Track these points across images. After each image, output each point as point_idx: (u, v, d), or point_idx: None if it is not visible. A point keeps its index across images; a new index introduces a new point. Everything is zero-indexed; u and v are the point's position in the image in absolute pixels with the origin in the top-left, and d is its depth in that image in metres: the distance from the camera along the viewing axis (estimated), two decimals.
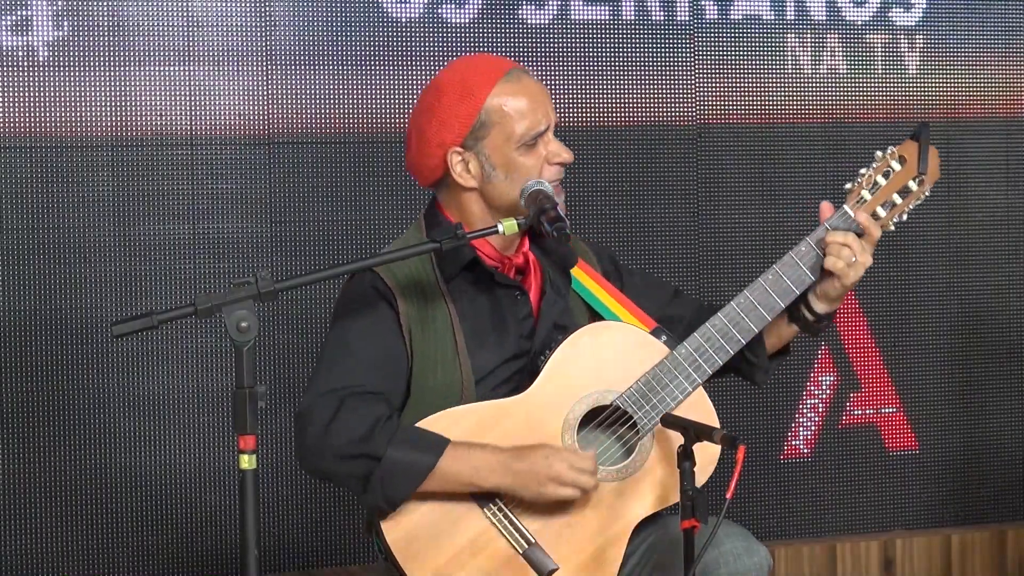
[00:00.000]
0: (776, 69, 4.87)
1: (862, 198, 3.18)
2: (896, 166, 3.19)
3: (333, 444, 3.04)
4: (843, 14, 4.91)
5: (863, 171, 3.19)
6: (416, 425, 3.09)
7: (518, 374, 3.20)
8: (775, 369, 3.38)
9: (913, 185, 3.20)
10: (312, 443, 3.06)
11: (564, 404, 3.14)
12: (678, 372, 3.15)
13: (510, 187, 3.19)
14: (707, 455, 3.05)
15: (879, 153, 3.20)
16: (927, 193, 3.22)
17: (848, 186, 3.20)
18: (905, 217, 3.22)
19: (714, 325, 3.16)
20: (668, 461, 3.15)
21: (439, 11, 4.55)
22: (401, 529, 3.08)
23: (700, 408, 3.17)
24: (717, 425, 3.16)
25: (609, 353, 3.17)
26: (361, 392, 3.09)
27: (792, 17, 4.87)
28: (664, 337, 3.21)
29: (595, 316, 3.28)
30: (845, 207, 3.19)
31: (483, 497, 3.10)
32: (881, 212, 3.19)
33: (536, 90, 3.22)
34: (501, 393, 3.17)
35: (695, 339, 3.16)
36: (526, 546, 3.10)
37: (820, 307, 3.24)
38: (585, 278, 3.31)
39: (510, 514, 3.10)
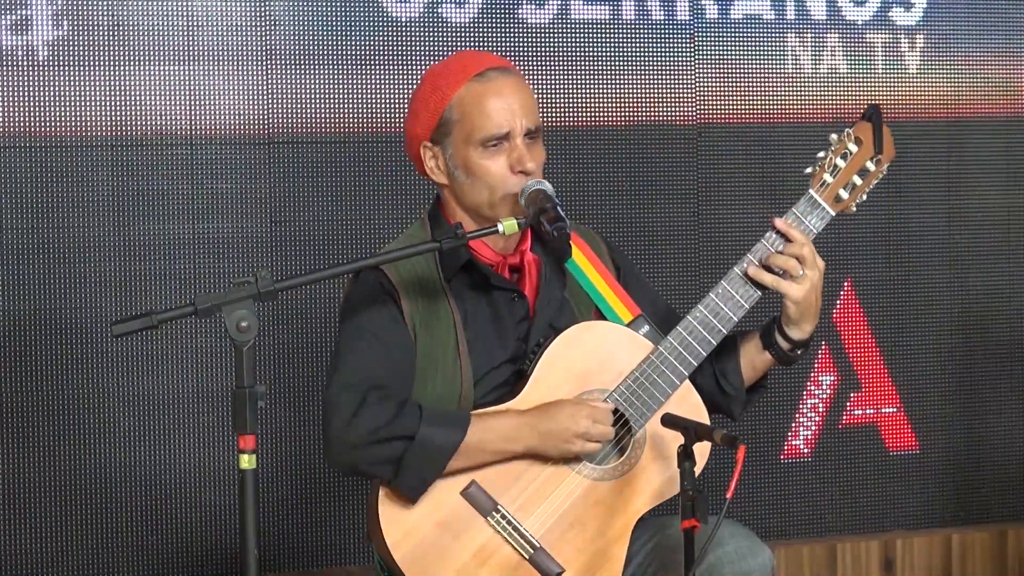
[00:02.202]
0: (776, 69, 4.86)
1: (824, 182, 3.21)
2: (853, 148, 3.22)
3: (359, 435, 3.04)
4: (843, 14, 4.91)
5: (821, 155, 3.22)
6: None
7: (514, 375, 3.20)
8: (753, 404, 3.37)
9: (871, 165, 3.23)
10: (336, 436, 3.07)
11: None
12: (665, 367, 3.15)
13: (472, 190, 3.18)
14: (699, 448, 3.05)
15: (834, 136, 3.23)
16: (885, 172, 3.24)
17: (809, 170, 3.23)
18: (866, 197, 3.24)
19: (695, 317, 3.17)
20: (662, 457, 3.15)
21: (439, 11, 4.55)
22: (408, 545, 3.08)
23: (687, 401, 3.17)
24: (706, 417, 3.18)
25: (595, 352, 3.18)
26: (382, 386, 3.09)
27: (792, 17, 4.87)
28: (646, 327, 3.21)
29: (596, 307, 3.28)
30: (810, 191, 3.21)
31: (486, 505, 3.09)
32: (843, 194, 3.22)
33: (509, 92, 3.17)
34: (497, 395, 3.18)
35: (678, 333, 3.17)
36: (532, 551, 3.10)
37: (791, 331, 3.22)
38: (586, 264, 3.29)
39: (513, 520, 3.10)
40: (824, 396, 4.94)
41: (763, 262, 3.19)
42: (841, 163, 3.21)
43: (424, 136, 3.20)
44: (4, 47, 4.24)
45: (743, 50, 4.83)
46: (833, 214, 3.21)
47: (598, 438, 3.10)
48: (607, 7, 4.70)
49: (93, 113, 4.30)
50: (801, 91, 4.88)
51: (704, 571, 3.05)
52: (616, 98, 4.71)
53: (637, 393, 3.15)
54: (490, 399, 3.17)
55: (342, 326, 3.20)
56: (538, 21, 4.65)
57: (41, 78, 4.26)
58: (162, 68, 4.35)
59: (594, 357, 3.17)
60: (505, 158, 3.16)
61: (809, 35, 4.90)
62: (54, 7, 4.27)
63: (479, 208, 3.18)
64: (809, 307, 3.19)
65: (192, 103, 4.37)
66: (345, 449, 3.07)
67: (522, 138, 3.16)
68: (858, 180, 3.23)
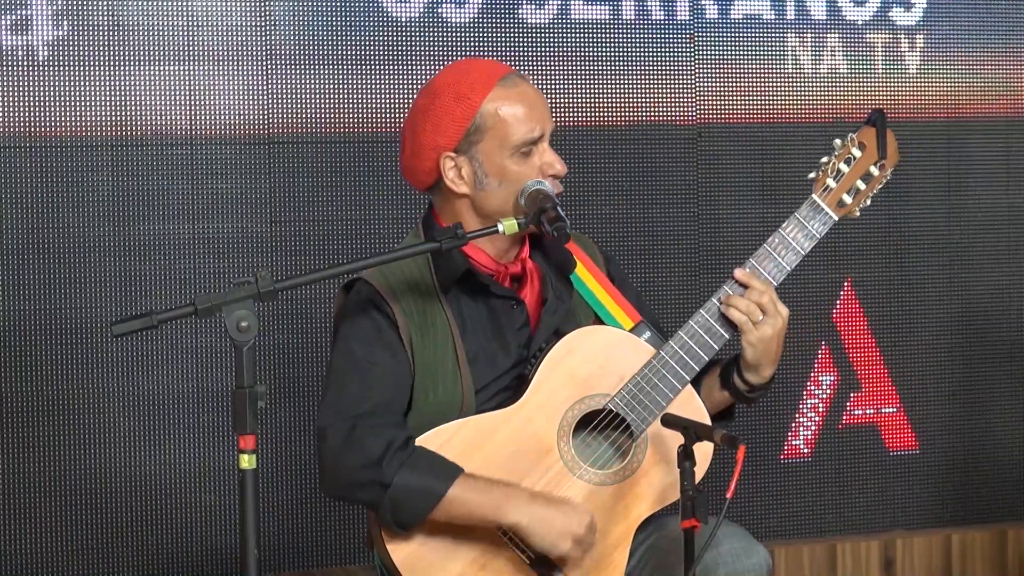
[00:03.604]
0: (776, 69, 4.86)
1: (827, 186, 3.21)
2: (857, 152, 3.23)
3: (346, 469, 3.04)
4: (843, 14, 4.91)
5: (824, 160, 3.23)
6: (428, 448, 3.07)
7: (515, 381, 3.20)
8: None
9: (875, 170, 3.24)
10: (327, 466, 3.08)
11: (557, 411, 3.14)
12: (666, 372, 3.15)
13: (502, 195, 3.17)
14: (702, 453, 3.05)
15: (838, 141, 3.23)
16: (888, 177, 3.25)
17: (812, 175, 3.23)
18: (869, 202, 3.25)
19: (697, 322, 3.17)
20: (664, 461, 3.15)
21: (439, 11, 4.55)
22: (408, 548, 3.08)
23: (690, 407, 3.17)
24: (708, 420, 3.17)
25: (597, 357, 3.17)
26: (373, 413, 3.08)
27: (792, 17, 4.87)
28: (648, 333, 3.21)
29: (597, 316, 3.28)
30: (813, 196, 3.21)
31: None
32: (847, 199, 3.22)
33: (533, 96, 3.19)
34: (499, 400, 3.17)
35: (680, 337, 3.17)
36: (532, 556, 3.09)
37: (751, 376, 3.22)
38: (586, 275, 3.29)
39: None
40: (824, 396, 4.94)
41: (726, 302, 3.18)
42: (844, 168, 3.21)
43: (447, 146, 3.17)
44: (4, 47, 4.24)
45: (743, 50, 4.83)
46: (836, 219, 3.21)
47: (585, 545, 3.07)
48: (607, 7, 4.70)
49: (93, 113, 4.30)
50: (801, 91, 4.88)
51: (700, 571, 3.05)
52: (616, 98, 4.71)
53: (639, 397, 3.14)
54: (492, 405, 3.16)
55: (333, 350, 3.19)
56: (538, 21, 4.65)
57: (41, 78, 4.26)
58: (162, 68, 4.35)
59: (595, 361, 3.17)
60: (536, 161, 3.17)
61: (809, 35, 4.90)
62: (54, 7, 4.27)
63: (504, 214, 3.15)
64: (768, 353, 3.18)
65: (192, 103, 4.37)
66: (334, 482, 3.08)
67: (548, 140, 3.19)
68: (862, 185, 3.23)
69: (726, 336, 3.18)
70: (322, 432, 3.08)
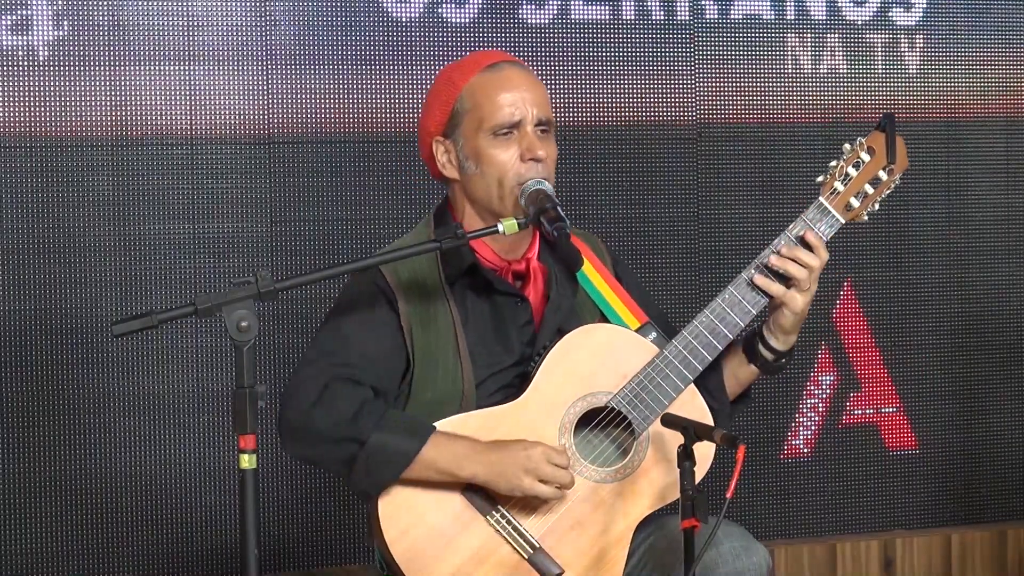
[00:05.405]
0: (776, 69, 4.86)
1: (835, 190, 3.22)
2: (865, 157, 3.23)
3: (316, 427, 3.03)
4: (843, 14, 4.91)
5: (833, 164, 3.23)
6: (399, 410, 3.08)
7: (517, 378, 3.20)
8: (737, 414, 3.38)
9: (883, 175, 3.24)
10: (293, 424, 3.06)
11: (558, 408, 3.14)
12: (669, 371, 3.15)
13: (483, 181, 3.17)
14: (702, 453, 3.06)
15: (847, 145, 3.24)
16: (897, 182, 3.26)
17: (820, 179, 3.24)
18: (877, 207, 3.25)
19: (701, 322, 3.17)
20: (665, 460, 3.15)
21: (439, 11, 4.55)
22: (406, 542, 3.08)
23: (692, 406, 3.17)
24: (710, 420, 3.18)
25: (600, 355, 3.17)
26: (349, 377, 3.07)
27: (792, 17, 4.87)
28: (653, 334, 3.21)
29: (604, 315, 3.28)
30: (820, 199, 3.22)
31: (486, 505, 3.09)
32: (854, 203, 3.23)
33: (520, 82, 3.18)
34: (502, 396, 3.17)
35: (684, 337, 3.17)
36: (531, 551, 3.10)
37: (776, 342, 3.24)
38: (593, 273, 3.29)
39: (513, 520, 3.10)
40: (824, 396, 4.94)
41: (772, 265, 3.18)
42: (853, 172, 3.22)
43: (436, 131, 3.21)
44: (4, 47, 4.24)
45: (743, 50, 4.83)
46: (843, 222, 3.22)
47: (549, 478, 3.06)
48: (607, 7, 4.70)
49: (93, 113, 4.30)
50: (801, 91, 4.88)
51: (700, 570, 3.05)
52: (616, 98, 4.71)
53: (641, 396, 3.14)
54: (495, 401, 3.16)
55: (326, 321, 3.19)
56: (538, 21, 4.65)
57: (41, 78, 4.26)
58: (162, 68, 4.35)
59: (598, 359, 3.17)
60: (516, 147, 3.16)
61: (809, 35, 4.90)
62: (54, 7, 4.27)
63: (488, 200, 3.18)
64: (802, 318, 3.22)
65: (192, 103, 4.37)
66: (299, 441, 3.07)
67: (533, 128, 3.17)
68: (870, 189, 3.23)
69: (752, 312, 3.17)
70: (294, 387, 3.07)
